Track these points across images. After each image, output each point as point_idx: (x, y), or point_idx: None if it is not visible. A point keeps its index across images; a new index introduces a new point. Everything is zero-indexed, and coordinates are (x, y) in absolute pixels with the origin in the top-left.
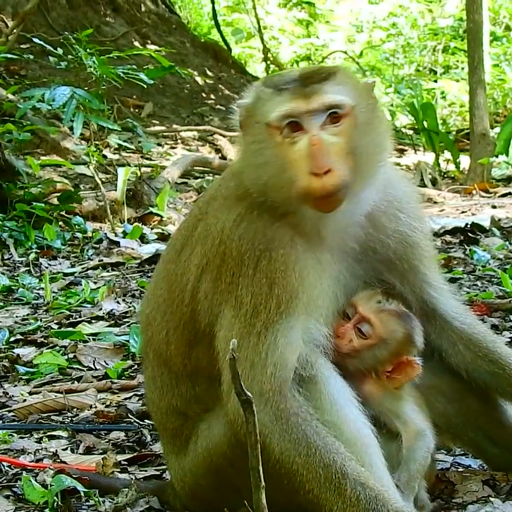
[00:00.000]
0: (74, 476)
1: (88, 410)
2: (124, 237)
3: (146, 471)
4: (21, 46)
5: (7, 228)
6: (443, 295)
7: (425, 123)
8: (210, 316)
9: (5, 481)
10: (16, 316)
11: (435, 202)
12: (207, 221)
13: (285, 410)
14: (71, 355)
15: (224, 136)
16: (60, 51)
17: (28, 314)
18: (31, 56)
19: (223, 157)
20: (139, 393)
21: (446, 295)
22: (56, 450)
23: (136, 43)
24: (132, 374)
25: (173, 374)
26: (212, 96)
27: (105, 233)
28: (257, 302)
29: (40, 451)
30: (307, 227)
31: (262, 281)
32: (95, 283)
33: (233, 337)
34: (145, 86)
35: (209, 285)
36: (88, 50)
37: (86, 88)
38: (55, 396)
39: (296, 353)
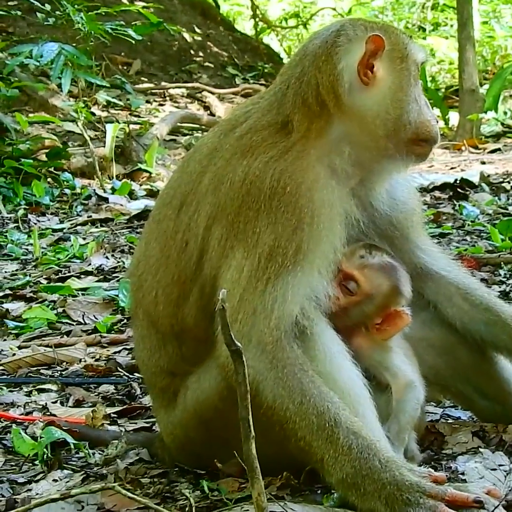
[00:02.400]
0: (64, 428)
1: (78, 364)
2: (112, 193)
3: (136, 423)
4: (9, 3)
5: None
6: (434, 255)
7: None
8: (218, 262)
9: None
10: (5, 272)
11: None
12: (217, 172)
13: (282, 359)
14: (60, 310)
15: (212, 93)
16: (48, 7)
17: (17, 270)
18: (19, 13)
19: (212, 114)
20: (128, 347)
21: (437, 254)
22: (46, 403)
23: (124, 0)
24: (122, 328)
25: (160, 334)
26: (200, 54)
27: (94, 190)
28: (276, 244)
29: (29, 404)
30: (352, 178)
31: (290, 221)
32: (84, 239)
33: (240, 279)
34: (133, 43)
35: (222, 232)
36: (76, 6)
37: (74, 45)
38: (45, 350)
39: (299, 306)
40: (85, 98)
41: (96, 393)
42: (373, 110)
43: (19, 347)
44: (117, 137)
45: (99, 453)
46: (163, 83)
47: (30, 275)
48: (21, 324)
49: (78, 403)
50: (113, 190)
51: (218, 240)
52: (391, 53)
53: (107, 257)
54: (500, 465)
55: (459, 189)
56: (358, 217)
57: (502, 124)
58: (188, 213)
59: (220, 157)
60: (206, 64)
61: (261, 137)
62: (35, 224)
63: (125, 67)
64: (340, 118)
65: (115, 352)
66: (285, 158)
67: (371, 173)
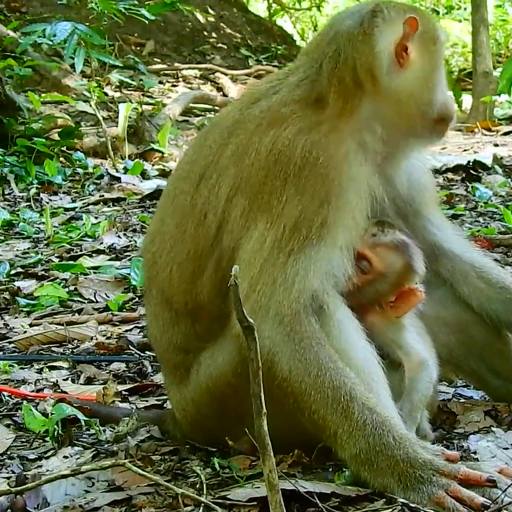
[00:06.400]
0: (75, 405)
1: (89, 341)
2: (125, 173)
3: (147, 401)
4: None
5: (8, 163)
6: (448, 233)
7: None
8: (239, 233)
9: (5, 410)
10: (17, 250)
11: None
12: (240, 143)
13: (299, 332)
14: (72, 288)
15: (225, 74)
16: None
17: (28, 248)
18: None
19: (225, 95)
20: (140, 325)
21: (451, 233)
22: (57, 381)
23: None
24: (133, 306)
25: (173, 312)
26: (213, 35)
27: (106, 169)
28: (302, 216)
29: (40, 381)
30: (380, 157)
31: (319, 193)
32: (96, 218)
33: (262, 249)
34: (147, 23)
35: (244, 203)
36: None
37: (87, 24)
38: (56, 327)
39: (319, 281)
40: (98, 78)
41: (107, 371)
42: (408, 91)
43: (31, 325)
44: (129, 117)
45: (110, 430)
46: (176, 64)
47: (42, 254)
48: (32, 302)
49: (89, 381)
50: (126, 170)
51: (240, 212)
52: (423, 35)
53: (119, 236)
54: None
55: (472, 171)
56: (380, 194)
57: None
58: (207, 186)
59: (243, 129)
60: (219, 45)
61: (291, 109)
62: (47, 203)
63: (138, 48)
64: (374, 98)
65: (126, 330)
66: (318, 130)
67: (396, 151)
